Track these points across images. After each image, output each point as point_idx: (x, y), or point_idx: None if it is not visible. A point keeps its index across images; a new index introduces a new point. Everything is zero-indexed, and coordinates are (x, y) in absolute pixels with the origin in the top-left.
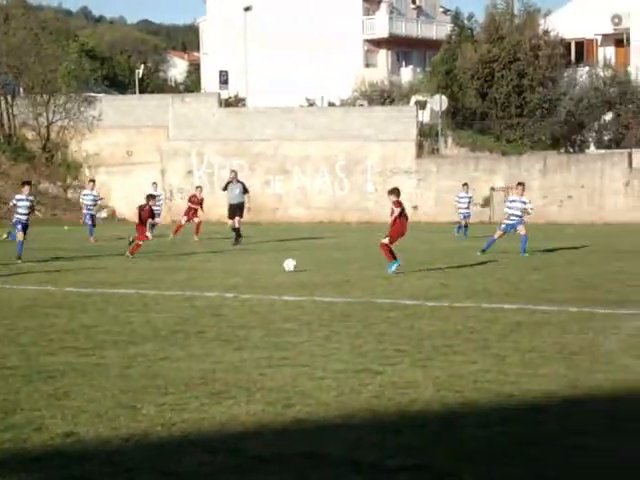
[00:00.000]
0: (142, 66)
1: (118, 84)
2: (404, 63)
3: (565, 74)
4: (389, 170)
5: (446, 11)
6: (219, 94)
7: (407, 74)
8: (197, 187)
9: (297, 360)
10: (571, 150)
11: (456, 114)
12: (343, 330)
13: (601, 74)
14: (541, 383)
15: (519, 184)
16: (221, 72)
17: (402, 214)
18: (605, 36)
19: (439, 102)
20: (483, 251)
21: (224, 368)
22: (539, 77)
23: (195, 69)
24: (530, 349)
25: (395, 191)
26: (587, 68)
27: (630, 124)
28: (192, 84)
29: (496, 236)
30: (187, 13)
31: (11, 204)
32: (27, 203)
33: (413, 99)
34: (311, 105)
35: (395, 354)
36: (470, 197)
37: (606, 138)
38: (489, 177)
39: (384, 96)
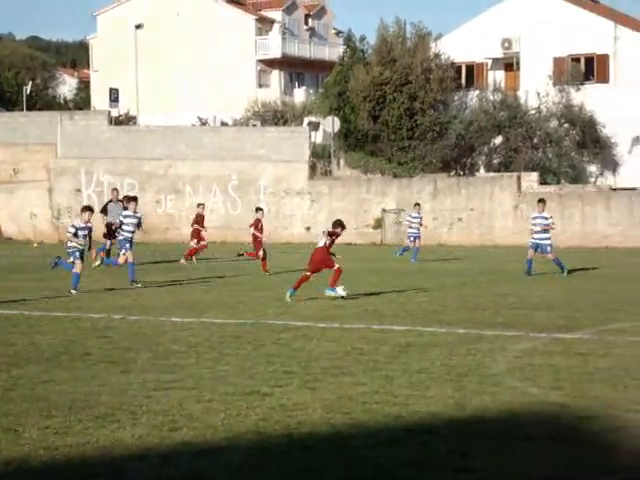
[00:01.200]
0: (30, 82)
1: (5, 101)
2: (297, 84)
3: (456, 97)
4: (282, 190)
5: (338, 33)
6: (109, 112)
7: (300, 95)
8: (199, 205)
9: (184, 383)
10: (461, 173)
11: (348, 136)
12: (232, 352)
13: (491, 98)
14: (429, 404)
15: (540, 200)
16: (111, 90)
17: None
18: (495, 60)
19: (332, 123)
20: (529, 274)
21: (109, 391)
22: (430, 100)
23: (85, 86)
24: (418, 370)
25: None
26: (477, 92)
27: (519, 148)
28: (82, 101)
29: (529, 256)
30: (77, 29)
31: (117, 221)
32: (134, 220)
33: (306, 120)
34: (203, 124)
35: (284, 376)
36: (421, 217)
37: (496, 161)
38: (381, 199)
39: (277, 116)
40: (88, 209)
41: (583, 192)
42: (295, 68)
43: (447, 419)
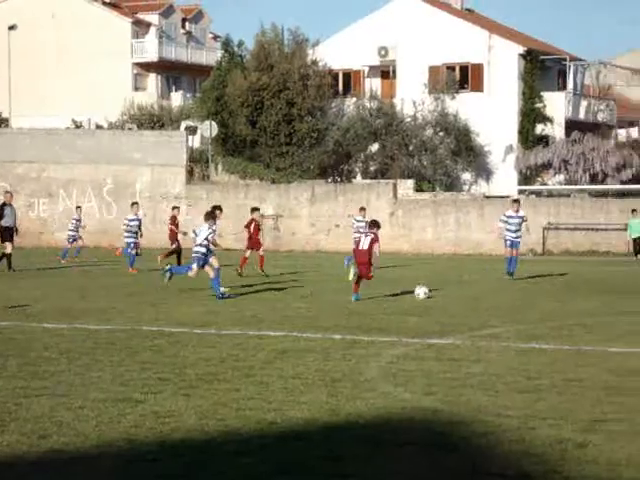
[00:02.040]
0: None
1: None
2: (174, 88)
3: (333, 104)
4: (159, 195)
5: (216, 37)
6: None
7: (177, 99)
8: (174, 208)
9: (55, 390)
10: (339, 180)
11: (226, 141)
12: (105, 359)
13: (368, 105)
14: (303, 410)
15: (515, 201)
16: None
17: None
18: (372, 68)
19: (209, 128)
20: (510, 274)
21: None
22: (308, 106)
23: None
24: (293, 376)
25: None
26: (354, 99)
27: (395, 155)
28: None
29: (508, 255)
30: None
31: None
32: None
33: (183, 124)
34: (78, 127)
35: (158, 382)
36: (366, 221)
37: (372, 168)
38: (258, 205)
39: (154, 120)
40: (218, 209)
41: (457, 199)
42: (172, 72)
43: (321, 424)
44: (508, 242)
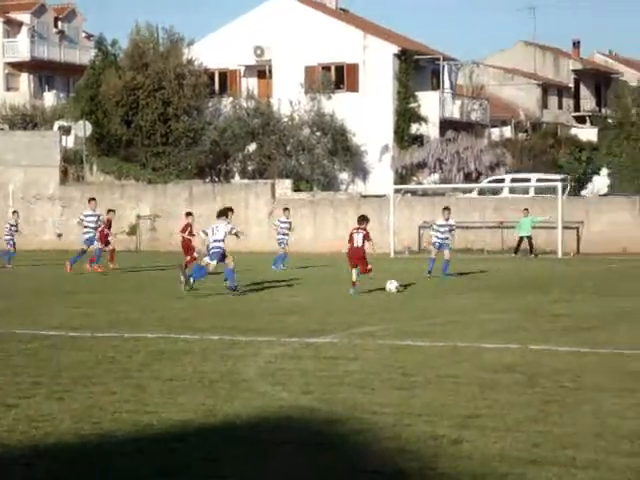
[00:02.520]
0: None
1: None
2: (47, 87)
3: (210, 104)
4: (32, 196)
5: (89, 36)
6: None
7: (50, 99)
8: (109, 211)
9: None
10: (217, 179)
11: (101, 141)
12: None
13: (244, 105)
14: (180, 412)
15: (445, 208)
16: None
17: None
18: (248, 67)
19: (83, 128)
20: (429, 273)
21: None
22: (184, 106)
23: None
24: (170, 378)
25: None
26: (231, 99)
27: (273, 155)
28: None
29: (434, 256)
30: None
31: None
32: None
33: (57, 124)
34: None
35: (31, 387)
36: (290, 222)
37: (250, 168)
38: (135, 205)
39: (26, 120)
40: (230, 211)
41: (334, 199)
42: (45, 71)
43: (198, 426)
44: (437, 244)
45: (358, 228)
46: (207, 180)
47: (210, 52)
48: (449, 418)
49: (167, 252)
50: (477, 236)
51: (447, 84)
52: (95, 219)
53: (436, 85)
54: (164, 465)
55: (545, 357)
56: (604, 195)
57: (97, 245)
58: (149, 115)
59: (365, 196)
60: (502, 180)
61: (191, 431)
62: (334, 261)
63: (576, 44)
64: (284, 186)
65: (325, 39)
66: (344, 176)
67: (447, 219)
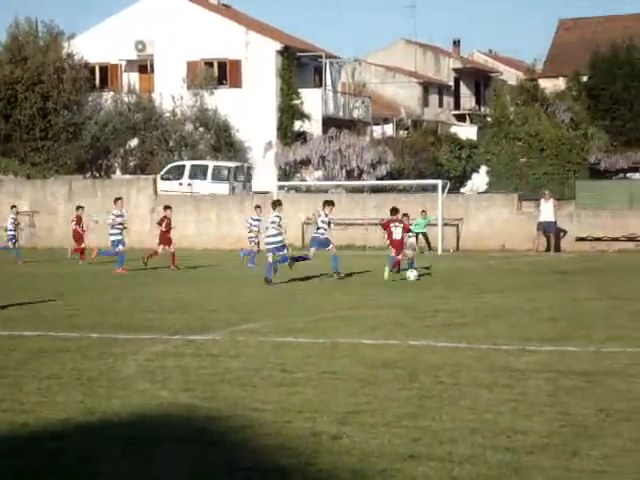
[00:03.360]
0: None
1: None
2: None
3: (90, 98)
4: None
5: None
6: None
7: None
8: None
9: None
10: (97, 175)
11: None
12: None
13: (126, 100)
14: (58, 411)
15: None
16: None
17: None
18: (129, 62)
19: None
20: (338, 273)
21: None
22: (64, 100)
23: None
24: (48, 376)
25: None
26: (112, 93)
27: (155, 150)
28: None
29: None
30: None
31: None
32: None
33: None
34: None
35: None
36: (261, 220)
37: (132, 164)
38: (14, 201)
39: None
40: (278, 203)
41: (217, 196)
42: None
43: (76, 425)
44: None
45: (394, 220)
46: (87, 175)
47: (91, 46)
48: (329, 414)
49: (46, 248)
50: (359, 233)
51: (329, 81)
52: (123, 219)
53: (319, 82)
54: (42, 465)
55: (424, 353)
56: (483, 192)
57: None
58: (28, 109)
59: (249, 193)
60: (183, 166)
61: (69, 430)
62: (217, 258)
63: (456, 43)
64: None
65: (207, 35)
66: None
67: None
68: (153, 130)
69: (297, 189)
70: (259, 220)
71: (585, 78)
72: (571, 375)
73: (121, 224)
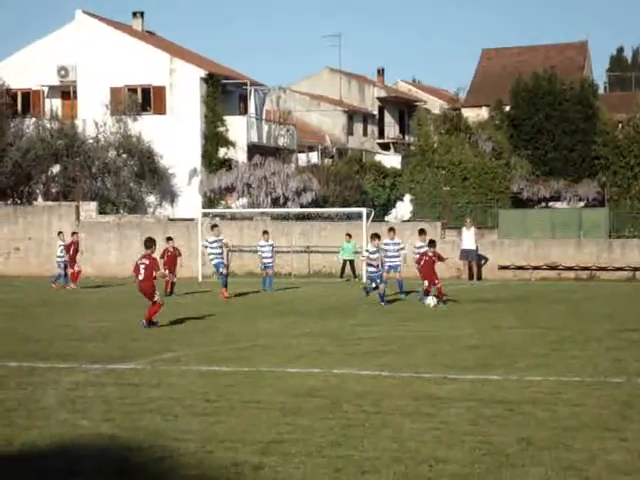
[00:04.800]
0: None
1: None
2: None
3: (12, 124)
4: None
5: None
6: None
7: None
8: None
9: None
10: (19, 201)
11: None
12: None
13: (48, 126)
14: None
15: (390, 229)
16: None
17: None
18: (52, 88)
19: None
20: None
21: None
22: None
23: None
24: None
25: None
26: (34, 119)
27: (77, 177)
28: None
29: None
30: None
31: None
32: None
33: None
34: None
35: None
36: (271, 245)
37: (54, 190)
38: None
39: None
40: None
41: (142, 222)
42: None
43: None
44: (386, 267)
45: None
46: (9, 202)
47: (13, 72)
48: (251, 444)
49: None
50: (284, 261)
51: (254, 109)
52: (219, 244)
53: (244, 110)
54: None
55: (347, 381)
56: (407, 221)
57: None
58: None
59: (173, 219)
60: None
61: None
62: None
63: (380, 72)
64: (89, 208)
65: (131, 61)
66: (151, 199)
67: (392, 239)
68: (76, 156)
69: (222, 216)
70: (270, 245)
71: (507, 107)
72: (492, 404)
73: (220, 247)
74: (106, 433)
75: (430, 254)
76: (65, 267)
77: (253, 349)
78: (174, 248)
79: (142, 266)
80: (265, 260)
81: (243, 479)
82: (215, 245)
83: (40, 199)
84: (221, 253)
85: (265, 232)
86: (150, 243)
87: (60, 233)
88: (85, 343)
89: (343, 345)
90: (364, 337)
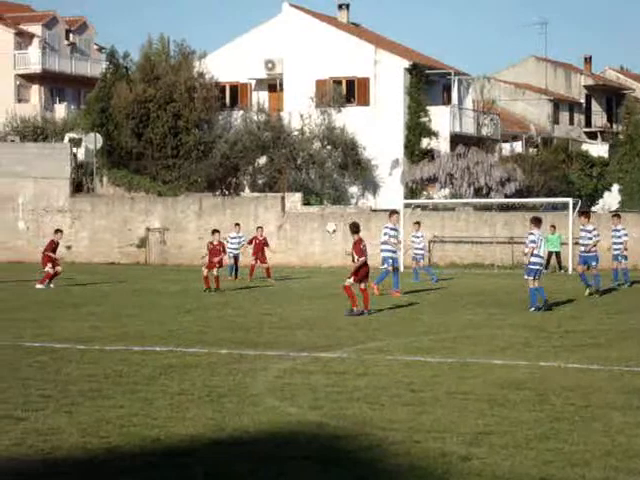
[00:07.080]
0: None
1: None
2: (58, 99)
3: (220, 117)
4: (42, 208)
5: (101, 49)
6: None
7: (61, 111)
8: (258, 227)
9: None
10: (226, 193)
11: (112, 153)
12: None
13: (255, 118)
14: (188, 426)
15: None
16: None
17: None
18: (259, 81)
19: (94, 140)
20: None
21: None
22: (195, 119)
23: None
24: (179, 392)
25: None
26: (241, 112)
27: (283, 168)
28: None
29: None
30: None
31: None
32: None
33: (67, 136)
34: None
35: (40, 399)
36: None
37: (260, 182)
38: (145, 217)
39: (37, 132)
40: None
41: (344, 213)
42: (56, 83)
43: (206, 441)
44: (581, 259)
45: None
46: (217, 193)
47: (221, 65)
48: (458, 435)
49: (176, 265)
50: (486, 251)
51: (458, 99)
52: (238, 240)
53: (447, 100)
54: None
55: (554, 374)
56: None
57: None
58: (160, 128)
59: (375, 210)
60: None
61: (199, 446)
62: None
63: (587, 60)
64: (294, 199)
65: (336, 53)
66: (354, 190)
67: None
68: (282, 148)
69: (424, 207)
70: (396, 230)
71: None
72: None
73: (396, 238)
74: (314, 420)
75: None
76: (236, 259)
77: (456, 340)
78: (263, 237)
79: (364, 249)
80: (416, 251)
81: (452, 470)
82: (234, 242)
83: (247, 190)
84: (237, 249)
85: (416, 223)
86: (355, 228)
87: (259, 228)
88: (292, 331)
89: (549, 338)
90: (570, 329)
